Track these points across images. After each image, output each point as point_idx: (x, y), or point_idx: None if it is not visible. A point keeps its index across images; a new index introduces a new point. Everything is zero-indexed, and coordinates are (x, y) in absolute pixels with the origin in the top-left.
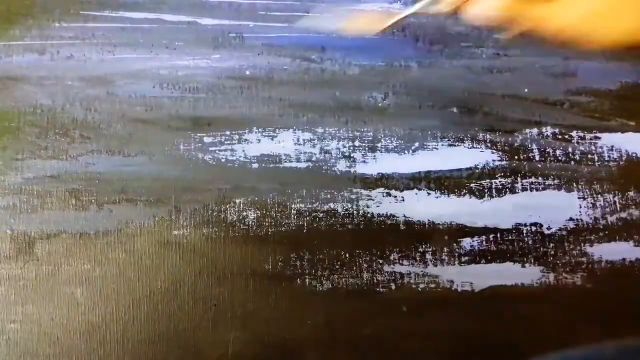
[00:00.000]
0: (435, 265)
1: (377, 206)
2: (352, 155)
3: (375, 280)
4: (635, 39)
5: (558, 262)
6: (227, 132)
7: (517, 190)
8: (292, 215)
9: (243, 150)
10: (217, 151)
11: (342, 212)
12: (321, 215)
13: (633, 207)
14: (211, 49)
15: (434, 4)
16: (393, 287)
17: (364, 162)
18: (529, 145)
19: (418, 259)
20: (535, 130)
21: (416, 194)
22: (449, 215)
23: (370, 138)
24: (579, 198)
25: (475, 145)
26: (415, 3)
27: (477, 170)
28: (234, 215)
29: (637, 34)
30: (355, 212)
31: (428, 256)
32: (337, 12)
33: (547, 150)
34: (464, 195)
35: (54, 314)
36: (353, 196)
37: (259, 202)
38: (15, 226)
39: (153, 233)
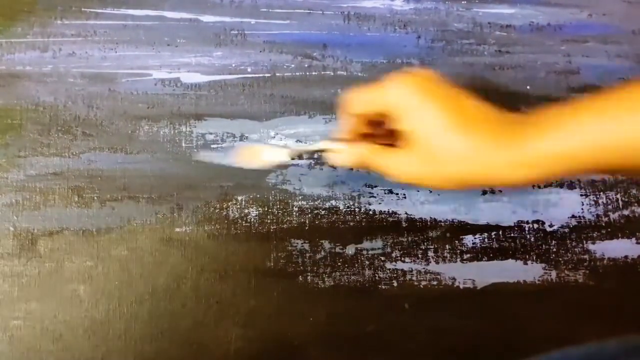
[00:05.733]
0: (437, 263)
1: (379, 203)
2: None
3: (377, 278)
4: (460, 182)
5: (560, 259)
6: (229, 130)
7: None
8: (294, 213)
9: None
10: (219, 148)
11: (344, 209)
12: (323, 212)
13: (635, 204)
14: (213, 46)
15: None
16: (395, 284)
17: None
18: None
19: (420, 256)
20: None
21: (418, 191)
22: (450, 213)
23: None
24: (581, 195)
25: None
26: None
27: None
28: (236, 213)
29: (459, 179)
30: (357, 209)
31: (430, 253)
32: (239, 148)
33: None
34: (466, 192)
35: (57, 311)
36: (355, 193)
37: (260, 199)
38: (18, 223)
39: (155, 230)
